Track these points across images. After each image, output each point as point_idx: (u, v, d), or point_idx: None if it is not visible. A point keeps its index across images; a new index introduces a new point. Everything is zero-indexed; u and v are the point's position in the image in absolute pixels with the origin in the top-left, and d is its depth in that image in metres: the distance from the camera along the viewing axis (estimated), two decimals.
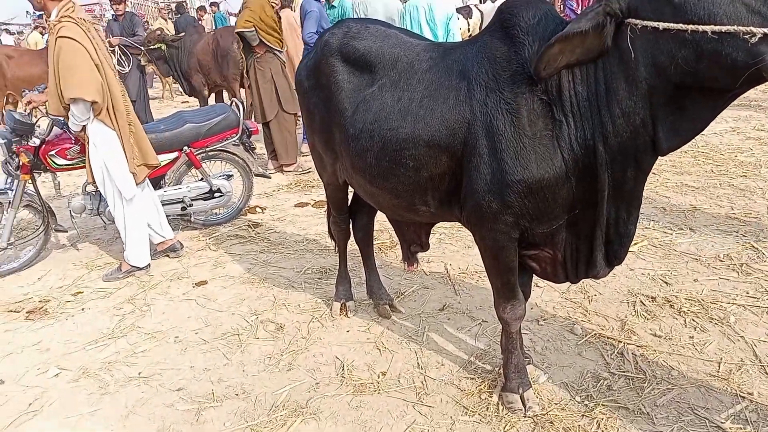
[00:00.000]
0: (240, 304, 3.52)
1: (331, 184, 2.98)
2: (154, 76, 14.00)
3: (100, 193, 4.08)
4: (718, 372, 2.51)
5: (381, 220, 3.21)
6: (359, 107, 2.42)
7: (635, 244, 3.75)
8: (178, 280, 3.94)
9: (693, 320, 2.90)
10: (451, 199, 2.27)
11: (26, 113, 4.23)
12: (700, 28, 1.53)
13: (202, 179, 4.64)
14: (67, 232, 4.64)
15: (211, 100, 8.08)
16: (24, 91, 4.52)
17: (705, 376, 2.50)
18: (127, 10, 9.01)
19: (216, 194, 4.65)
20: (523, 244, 2.20)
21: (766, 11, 1.48)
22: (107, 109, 3.69)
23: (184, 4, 19.34)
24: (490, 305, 3.11)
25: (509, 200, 2.02)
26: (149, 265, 4.07)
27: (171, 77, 7.70)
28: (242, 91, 8.02)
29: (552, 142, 1.94)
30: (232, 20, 17.79)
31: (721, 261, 3.46)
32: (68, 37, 3.51)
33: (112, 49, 7.19)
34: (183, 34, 7.96)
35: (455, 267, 3.73)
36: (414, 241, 2.84)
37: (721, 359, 2.59)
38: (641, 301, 3.11)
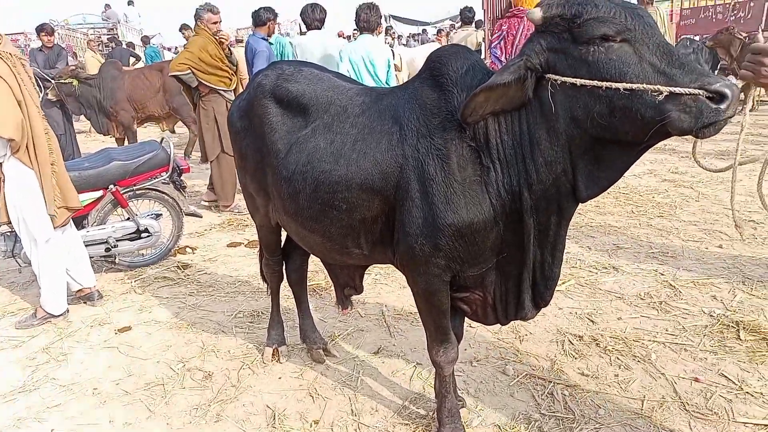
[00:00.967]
0: (166, 351, 3.36)
1: (263, 226, 2.93)
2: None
3: (16, 234, 3.83)
4: (642, 409, 2.60)
5: (317, 260, 3.17)
6: (292, 149, 2.42)
7: (563, 282, 3.87)
8: (99, 327, 3.72)
9: (617, 358, 3.00)
10: (384, 241, 2.28)
11: None
12: (614, 85, 1.64)
13: (128, 219, 4.46)
14: None
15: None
16: None
17: (630, 414, 2.57)
18: (56, 43, 8.74)
19: (143, 234, 4.47)
20: (454, 286, 2.23)
21: (669, 71, 1.61)
22: (26, 147, 3.50)
23: (116, 36, 18.93)
24: (424, 347, 3.07)
25: (440, 243, 2.05)
26: (67, 311, 3.83)
27: (83, 115, 7.42)
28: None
29: (481, 188, 2.00)
30: (167, 54, 17.54)
31: (642, 299, 3.62)
32: None
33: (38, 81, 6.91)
34: (97, 72, 7.79)
35: (390, 308, 3.72)
36: (348, 284, 2.81)
37: (644, 396, 2.68)
38: (569, 340, 3.20)
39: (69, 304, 3.89)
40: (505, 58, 4.70)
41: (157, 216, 4.60)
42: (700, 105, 1.56)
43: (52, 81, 6.99)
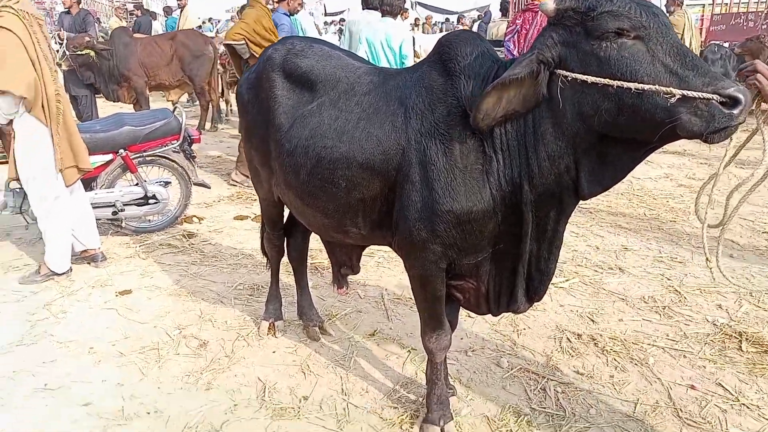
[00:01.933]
0: (164, 317, 3.37)
1: (266, 200, 2.91)
2: None
3: (24, 191, 3.86)
4: (634, 412, 2.56)
5: (319, 239, 3.16)
6: (296, 123, 2.40)
7: (567, 280, 3.83)
8: (100, 288, 3.75)
9: (615, 359, 2.96)
10: (382, 223, 2.26)
11: None
12: (625, 84, 1.60)
13: (137, 184, 4.47)
14: None
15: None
16: None
17: (621, 416, 2.54)
18: (82, 7, 8.74)
19: (151, 200, 4.48)
20: (449, 274, 2.21)
21: (681, 72, 1.57)
22: (41, 105, 3.52)
23: (141, 4, 18.96)
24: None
25: (438, 229, 2.03)
26: (71, 269, 3.86)
27: (93, 83, 7.43)
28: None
29: (482, 176, 1.97)
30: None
31: (646, 302, 3.57)
32: (5, 28, 3.35)
33: (61, 41, 6.92)
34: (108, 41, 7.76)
35: (390, 292, 3.70)
36: (344, 263, 2.80)
37: (638, 400, 2.65)
38: (567, 338, 3.16)
39: (73, 263, 3.92)
40: (518, 52, 4.64)
41: (166, 183, 4.60)
42: (712, 109, 1.52)
43: (66, 52, 6.95)
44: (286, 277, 3.49)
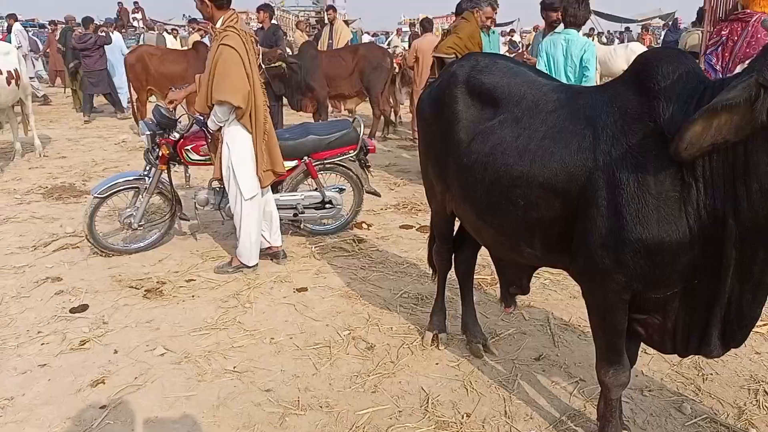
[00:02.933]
0: (335, 317, 3.59)
1: (438, 213, 2.97)
2: None
3: (224, 190, 4.35)
4: None
5: (484, 254, 3.14)
6: (476, 138, 2.41)
7: (766, 324, 3.38)
8: (280, 283, 4.09)
9: None
10: (559, 246, 2.18)
11: (169, 109, 4.61)
12: None
13: (316, 189, 4.81)
14: (189, 221, 4.99)
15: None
16: (171, 88, 4.93)
17: None
18: (273, 22, 9.66)
19: (327, 205, 4.80)
20: (633, 307, 2.07)
21: None
22: (249, 114, 3.95)
23: (322, 18, 20.42)
24: (590, 363, 2.92)
25: (624, 259, 1.91)
26: (257, 264, 4.27)
27: (282, 94, 8.13)
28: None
29: (678, 205, 1.81)
30: (364, 38, 18.47)
31: None
32: (229, 46, 3.81)
33: (257, 55, 7.72)
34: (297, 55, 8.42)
35: (557, 317, 3.56)
36: (514, 283, 2.75)
37: None
38: (765, 390, 2.79)
39: (258, 259, 4.33)
40: (721, 67, 4.17)
41: (341, 190, 4.90)
42: None
43: (262, 66, 7.71)
44: (449, 290, 3.52)
